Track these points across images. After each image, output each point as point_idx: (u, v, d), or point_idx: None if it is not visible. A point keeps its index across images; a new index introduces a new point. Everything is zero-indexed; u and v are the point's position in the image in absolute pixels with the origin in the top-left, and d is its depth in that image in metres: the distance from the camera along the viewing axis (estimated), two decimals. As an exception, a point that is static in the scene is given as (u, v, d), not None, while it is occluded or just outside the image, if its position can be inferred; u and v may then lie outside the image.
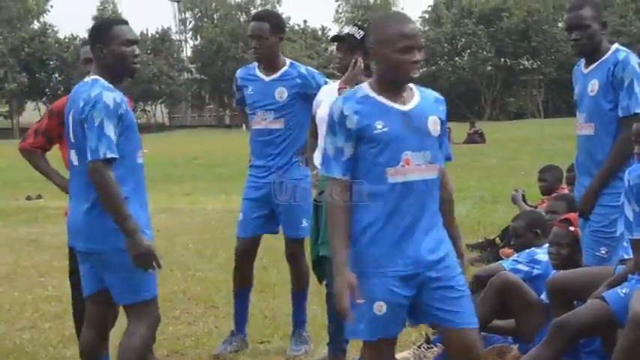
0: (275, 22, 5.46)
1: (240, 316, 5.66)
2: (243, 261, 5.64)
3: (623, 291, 4.07)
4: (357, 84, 4.86)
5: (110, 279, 4.00)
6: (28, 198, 15.80)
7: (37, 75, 62.85)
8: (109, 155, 3.79)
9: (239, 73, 5.72)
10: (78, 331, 5.14)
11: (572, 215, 5.16)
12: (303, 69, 5.54)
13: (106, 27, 4.02)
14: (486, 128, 32.41)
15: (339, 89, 4.86)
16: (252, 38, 5.47)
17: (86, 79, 4.00)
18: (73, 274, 4.95)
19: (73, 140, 3.99)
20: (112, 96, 3.85)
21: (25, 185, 18.55)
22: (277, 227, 5.64)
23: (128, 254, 3.86)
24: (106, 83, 3.92)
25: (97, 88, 3.88)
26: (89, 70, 4.77)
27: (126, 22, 4.09)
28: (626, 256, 4.60)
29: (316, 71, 5.61)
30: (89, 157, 3.80)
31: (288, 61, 5.55)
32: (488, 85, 61.86)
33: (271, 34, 5.40)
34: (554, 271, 4.97)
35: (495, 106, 61.91)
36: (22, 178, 20.50)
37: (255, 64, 5.61)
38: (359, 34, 4.89)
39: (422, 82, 3.71)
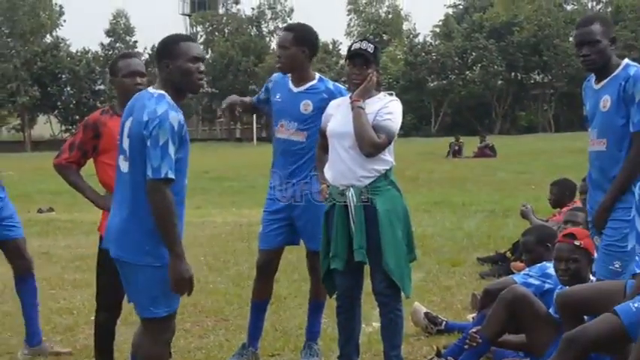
0: (300, 34, 5.42)
1: (254, 329, 5.64)
2: (264, 273, 5.62)
3: (635, 305, 4.05)
4: (369, 97, 4.91)
5: (132, 290, 4.03)
6: (40, 210, 15.84)
7: (48, 88, 63.20)
8: (170, 176, 3.81)
9: (275, 76, 5.63)
10: (97, 341, 5.13)
11: (576, 229, 5.15)
12: (330, 84, 5.50)
13: (173, 43, 4.01)
14: (497, 142, 32.41)
15: (352, 102, 4.88)
16: (277, 47, 5.49)
17: (151, 91, 3.98)
18: (100, 278, 5.00)
19: (125, 148, 3.99)
20: (177, 117, 3.85)
21: (37, 198, 18.64)
22: (298, 238, 5.63)
23: (153, 270, 3.92)
24: (172, 101, 3.91)
25: (163, 106, 3.86)
26: (136, 82, 4.79)
27: (192, 39, 4.11)
28: (638, 270, 4.59)
29: (344, 87, 5.54)
30: (150, 175, 3.80)
31: (317, 76, 5.53)
32: (499, 99, 61.83)
33: (293, 44, 5.36)
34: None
35: (506, 120, 61.87)
36: (34, 190, 20.60)
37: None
38: (371, 48, 4.91)
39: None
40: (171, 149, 3.81)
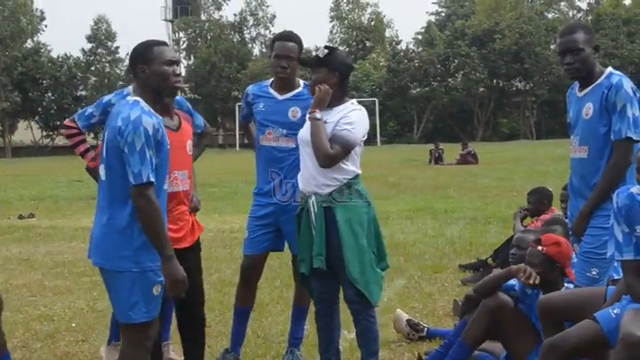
0: (300, 45, 5.50)
1: (237, 335, 5.63)
2: (248, 279, 5.62)
3: (615, 311, 4.08)
4: (337, 105, 4.89)
5: (112, 296, 4.04)
6: (20, 217, 15.75)
7: (29, 94, 62.77)
8: (152, 179, 3.83)
9: (251, 89, 5.68)
10: None
11: (547, 236, 5.17)
12: None
13: (147, 47, 4.05)
14: (479, 149, 32.50)
15: (309, 113, 4.88)
16: (280, 58, 5.41)
17: (128, 99, 4.03)
18: None
19: (104, 156, 4.01)
20: (151, 122, 3.87)
21: (18, 204, 18.52)
22: (282, 244, 5.63)
23: (132, 276, 3.91)
24: (146, 107, 3.93)
25: (137, 111, 3.88)
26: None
27: (165, 44, 4.15)
28: (616, 277, 4.61)
29: None
30: (133, 181, 3.82)
31: (301, 82, 5.57)
32: (481, 106, 62.03)
33: (297, 56, 5.44)
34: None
35: (488, 127, 62.06)
36: (15, 196, 20.46)
37: (269, 82, 5.61)
38: (323, 52, 4.92)
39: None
40: (149, 153, 3.84)
